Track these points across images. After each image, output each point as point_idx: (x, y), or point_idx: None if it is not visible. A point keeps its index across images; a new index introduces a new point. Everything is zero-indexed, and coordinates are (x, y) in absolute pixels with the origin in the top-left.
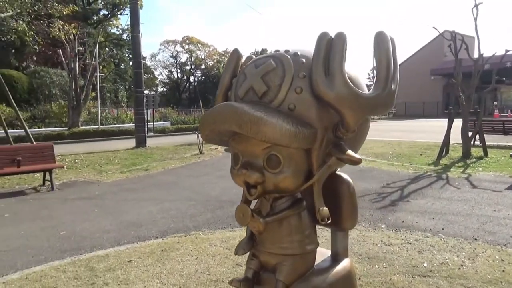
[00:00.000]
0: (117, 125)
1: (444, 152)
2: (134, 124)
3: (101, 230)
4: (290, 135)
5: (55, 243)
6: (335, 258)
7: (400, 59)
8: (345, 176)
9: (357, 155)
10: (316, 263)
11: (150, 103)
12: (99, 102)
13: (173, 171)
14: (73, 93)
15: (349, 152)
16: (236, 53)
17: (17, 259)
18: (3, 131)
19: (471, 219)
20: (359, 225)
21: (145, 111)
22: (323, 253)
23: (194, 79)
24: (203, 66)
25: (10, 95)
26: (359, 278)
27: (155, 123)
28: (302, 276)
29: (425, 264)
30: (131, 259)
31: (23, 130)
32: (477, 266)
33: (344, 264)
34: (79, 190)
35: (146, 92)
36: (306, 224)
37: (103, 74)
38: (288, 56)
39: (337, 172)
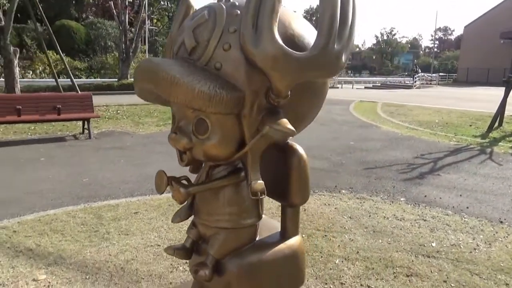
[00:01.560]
0: None
1: (496, 124)
2: None
3: (120, 180)
4: (203, 98)
5: (75, 189)
6: (283, 235)
7: (465, 21)
8: (298, 148)
9: (289, 126)
10: (261, 237)
11: None
12: (147, 55)
13: None
14: (123, 45)
15: (283, 121)
16: (185, 2)
17: (37, 201)
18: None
19: (503, 200)
20: (376, 196)
21: None
22: (272, 228)
23: None
24: None
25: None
26: (357, 252)
27: None
28: (237, 251)
29: (433, 244)
30: (138, 211)
31: (85, 79)
32: (491, 252)
33: (291, 242)
34: (114, 140)
35: None
36: (243, 196)
37: (156, 28)
38: (224, 7)
39: (290, 142)
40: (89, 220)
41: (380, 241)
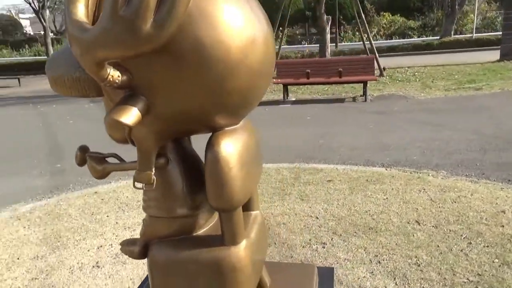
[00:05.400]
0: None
1: None
2: None
3: (350, 146)
4: (76, 84)
5: (304, 148)
6: (221, 241)
7: None
8: (216, 141)
9: (117, 116)
10: (206, 233)
11: None
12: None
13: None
14: None
15: (118, 109)
16: None
17: (271, 155)
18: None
19: None
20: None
21: None
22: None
23: None
24: None
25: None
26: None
27: None
28: (163, 238)
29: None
30: (332, 180)
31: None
32: None
33: (218, 251)
34: (385, 104)
35: None
36: (169, 184)
37: None
38: None
39: (216, 134)
40: (286, 179)
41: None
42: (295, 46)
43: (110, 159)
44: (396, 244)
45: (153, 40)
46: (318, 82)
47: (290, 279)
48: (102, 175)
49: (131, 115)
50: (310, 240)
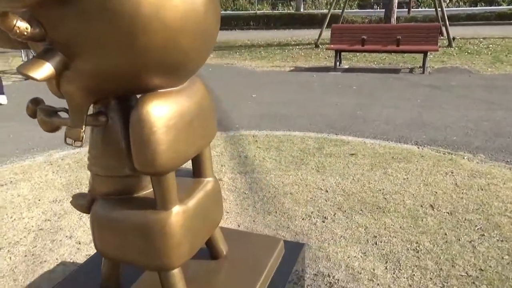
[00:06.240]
0: None
1: None
2: None
3: (386, 120)
4: None
5: (341, 119)
6: (154, 203)
7: None
8: (142, 103)
9: (27, 69)
10: (148, 195)
11: None
12: None
13: None
14: None
15: (30, 61)
16: None
17: (302, 123)
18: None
19: None
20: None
21: None
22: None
23: None
24: None
25: None
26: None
27: None
28: (108, 196)
29: None
30: (355, 153)
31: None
32: None
33: (147, 215)
34: (443, 77)
35: None
36: (107, 142)
37: None
38: None
39: (145, 95)
40: (308, 148)
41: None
42: (366, 10)
43: (63, 114)
44: (401, 227)
45: None
46: (373, 50)
47: (249, 250)
48: (51, 129)
49: (42, 70)
50: (312, 213)
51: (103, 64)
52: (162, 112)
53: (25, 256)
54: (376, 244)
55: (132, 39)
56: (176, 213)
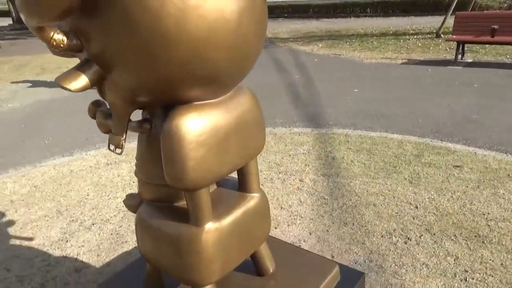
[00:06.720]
0: None
1: None
2: None
3: (507, 127)
4: None
5: (445, 121)
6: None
7: None
8: (174, 115)
9: (59, 79)
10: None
11: None
12: None
13: None
14: None
15: (69, 71)
16: None
17: (403, 124)
18: None
19: None
20: None
21: None
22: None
23: None
24: None
25: None
26: None
27: None
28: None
29: None
30: (461, 166)
31: None
32: None
33: (180, 229)
34: None
35: None
36: (149, 151)
37: None
38: None
39: (175, 107)
40: (404, 155)
41: None
42: None
43: None
44: (502, 264)
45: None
46: (506, 41)
47: (300, 271)
48: (107, 130)
49: (77, 82)
50: (394, 230)
51: (131, 76)
52: (193, 127)
53: (111, 234)
54: (466, 280)
55: (153, 50)
56: (208, 231)
